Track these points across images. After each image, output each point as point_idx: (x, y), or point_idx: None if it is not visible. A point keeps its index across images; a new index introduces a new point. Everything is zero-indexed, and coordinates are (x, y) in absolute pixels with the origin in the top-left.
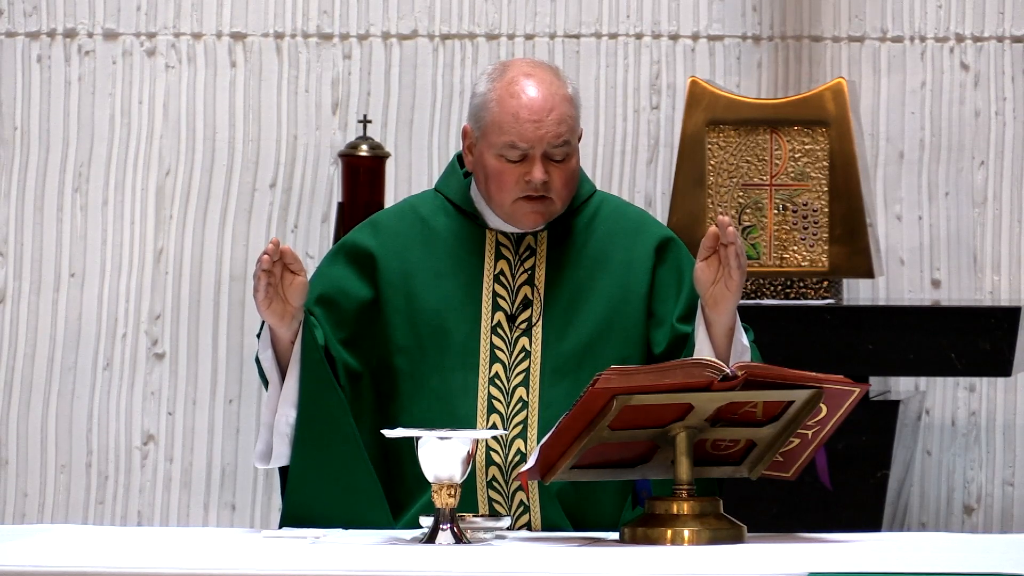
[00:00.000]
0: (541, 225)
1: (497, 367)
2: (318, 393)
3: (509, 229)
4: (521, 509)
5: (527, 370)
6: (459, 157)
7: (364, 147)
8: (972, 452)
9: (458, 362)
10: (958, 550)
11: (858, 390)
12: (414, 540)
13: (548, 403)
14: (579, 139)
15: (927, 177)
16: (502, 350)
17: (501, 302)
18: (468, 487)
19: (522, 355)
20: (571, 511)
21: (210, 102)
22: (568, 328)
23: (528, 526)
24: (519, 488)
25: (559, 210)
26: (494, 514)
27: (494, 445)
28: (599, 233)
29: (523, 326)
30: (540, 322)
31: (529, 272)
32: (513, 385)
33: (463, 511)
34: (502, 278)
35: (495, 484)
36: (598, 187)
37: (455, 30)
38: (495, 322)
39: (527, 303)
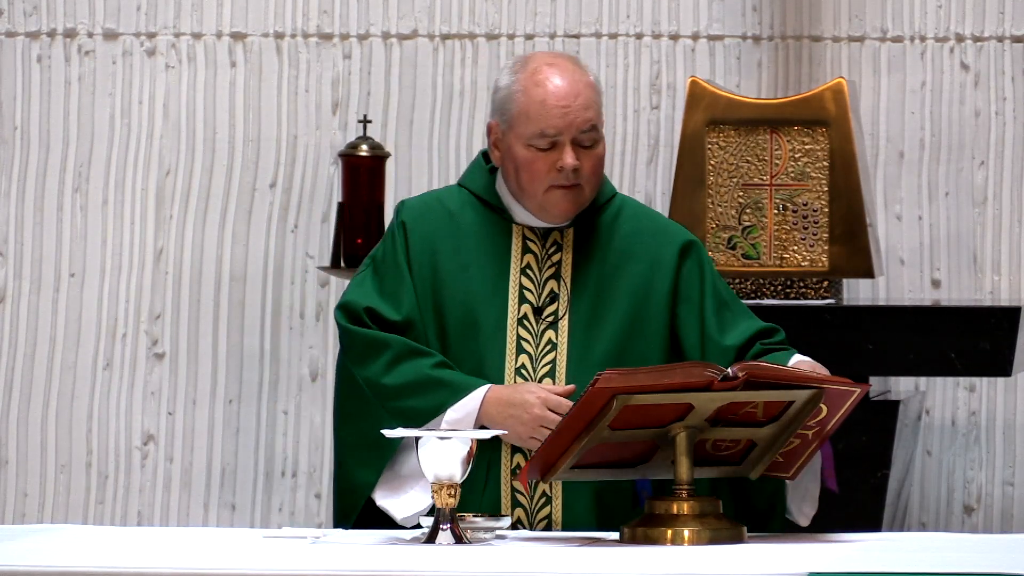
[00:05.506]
0: (572, 215)
1: (524, 358)
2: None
3: (536, 223)
4: (543, 500)
5: (553, 361)
6: (484, 154)
7: (364, 147)
8: (972, 452)
9: (486, 351)
10: (958, 550)
11: (858, 390)
12: (414, 540)
13: (575, 396)
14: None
15: (927, 177)
16: (528, 342)
17: (527, 295)
18: (494, 481)
19: (548, 347)
20: (597, 497)
21: (210, 102)
22: (594, 324)
23: (549, 518)
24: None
25: (588, 198)
26: (516, 505)
27: None
28: (624, 230)
29: (549, 319)
30: (567, 315)
31: (556, 266)
32: (540, 376)
33: (486, 508)
34: (528, 271)
35: (519, 472)
36: None
37: (455, 30)
38: (521, 314)
39: (553, 297)
